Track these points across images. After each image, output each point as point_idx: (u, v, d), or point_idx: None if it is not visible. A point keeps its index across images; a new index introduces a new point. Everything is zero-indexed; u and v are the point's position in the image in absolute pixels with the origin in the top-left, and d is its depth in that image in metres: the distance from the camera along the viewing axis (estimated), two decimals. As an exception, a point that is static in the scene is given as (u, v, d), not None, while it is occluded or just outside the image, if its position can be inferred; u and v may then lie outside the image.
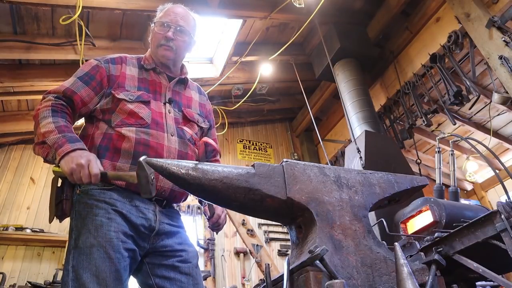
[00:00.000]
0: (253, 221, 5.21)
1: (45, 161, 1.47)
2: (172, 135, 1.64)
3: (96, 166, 1.37)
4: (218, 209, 1.75)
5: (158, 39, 1.76)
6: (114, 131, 1.56)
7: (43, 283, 3.62)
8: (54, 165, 1.43)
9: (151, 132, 1.58)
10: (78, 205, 1.47)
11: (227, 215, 1.83)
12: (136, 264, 1.49)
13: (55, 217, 1.48)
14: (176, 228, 1.62)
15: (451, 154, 2.53)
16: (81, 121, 1.72)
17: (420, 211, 2.24)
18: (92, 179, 1.35)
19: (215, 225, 1.75)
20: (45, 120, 1.46)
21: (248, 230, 5.10)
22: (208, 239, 4.88)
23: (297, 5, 3.93)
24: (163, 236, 1.55)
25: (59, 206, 1.47)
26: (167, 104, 1.72)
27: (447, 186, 2.46)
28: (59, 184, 1.50)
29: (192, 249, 1.64)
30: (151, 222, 1.52)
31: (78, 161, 1.34)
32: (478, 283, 1.66)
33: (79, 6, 3.32)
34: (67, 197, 1.48)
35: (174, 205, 1.71)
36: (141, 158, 1.34)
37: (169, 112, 1.70)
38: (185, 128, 1.73)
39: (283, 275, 1.13)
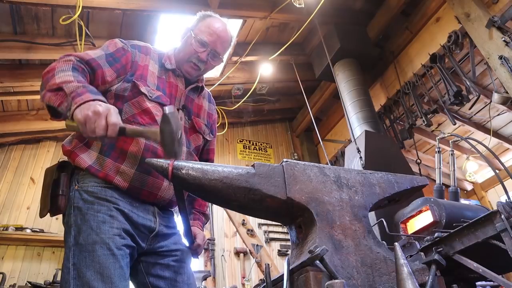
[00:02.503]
0: (253, 221, 5.21)
1: (53, 115, 1.30)
2: None
3: (116, 117, 1.21)
4: (199, 238, 1.70)
5: (190, 54, 1.67)
6: None
7: (43, 283, 3.62)
8: (67, 118, 1.24)
9: None
10: (77, 201, 1.41)
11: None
12: (132, 261, 1.47)
13: (48, 213, 1.42)
14: (172, 230, 1.63)
15: (451, 154, 2.53)
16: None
17: (420, 211, 2.23)
18: (109, 131, 1.18)
19: (193, 252, 1.69)
20: (63, 72, 1.30)
21: (248, 230, 5.10)
22: (208, 239, 4.88)
23: (297, 5, 3.94)
24: (159, 238, 1.55)
25: (54, 201, 1.41)
26: (180, 111, 1.66)
27: (447, 186, 2.46)
28: (54, 177, 1.43)
29: (186, 250, 1.64)
30: (151, 223, 1.51)
31: (95, 109, 1.18)
32: (478, 283, 1.66)
33: (79, 6, 3.32)
34: (63, 193, 1.42)
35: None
36: (167, 110, 1.16)
37: (181, 120, 1.65)
38: (191, 138, 1.70)
39: (283, 275, 1.13)
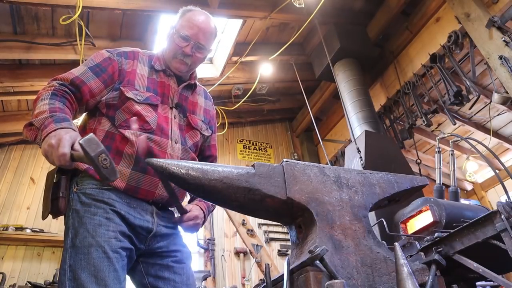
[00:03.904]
0: (253, 221, 5.21)
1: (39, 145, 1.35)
2: (176, 143, 1.61)
3: (66, 145, 1.20)
4: (188, 215, 1.61)
5: (175, 50, 1.69)
6: (118, 131, 1.52)
7: (43, 283, 3.62)
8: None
9: (155, 138, 1.55)
10: (75, 204, 1.44)
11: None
12: (131, 262, 1.48)
13: (49, 214, 1.44)
14: (171, 230, 1.62)
15: (451, 154, 2.53)
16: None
17: (420, 211, 2.24)
18: (61, 161, 1.20)
19: (187, 226, 1.61)
20: (42, 102, 1.38)
21: (248, 230, 5.10)
22: (208, 239, 4.88)
23: (297, 5, 3.94)
24: (158, 238, 1.55)
25: (55, 203, 1.43)
26: (174, 109, 1.68)
27: (447, 186, 2.46)
28: (55, 180, 1.46)
29: (186, 250, 1.64)
30: (149, 224, 1.51)
31: (49, 142, 1.21)
32: (478, 283, 1.66)
33: (79, 6, 3.32)
34: (63, 195, 1.44)
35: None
36: (81, 139, 1.14)
37: (175, 118, 1.67)
38: (187, 135, 1.70)
39: (283, 275, 1.13)
